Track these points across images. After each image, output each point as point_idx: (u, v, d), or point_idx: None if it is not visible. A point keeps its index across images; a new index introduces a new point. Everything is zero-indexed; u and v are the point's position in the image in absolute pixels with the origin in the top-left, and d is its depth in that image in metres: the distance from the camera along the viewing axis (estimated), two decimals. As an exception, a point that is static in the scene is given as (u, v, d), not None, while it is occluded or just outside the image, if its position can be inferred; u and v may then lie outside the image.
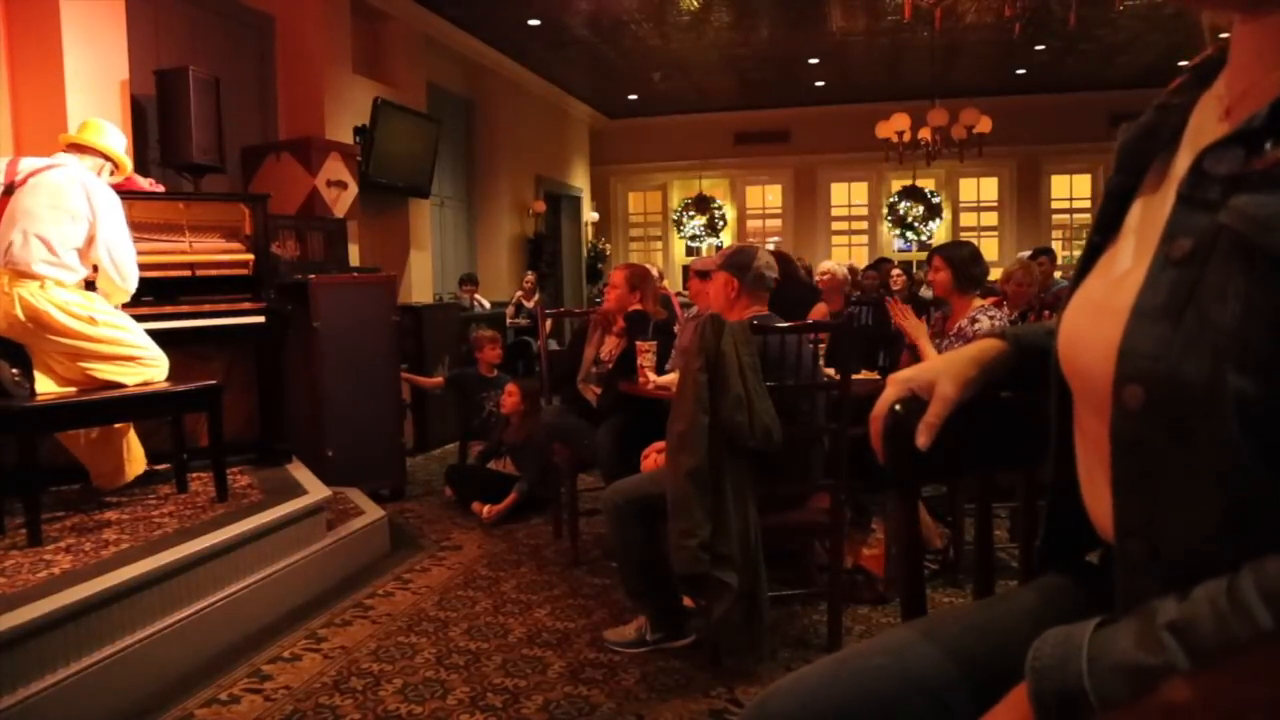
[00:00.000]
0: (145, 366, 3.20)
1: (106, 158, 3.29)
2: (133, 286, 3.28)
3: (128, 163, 3.40)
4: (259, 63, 5.97)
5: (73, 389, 3.08)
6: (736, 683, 2.48)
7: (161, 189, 4.08)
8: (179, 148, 4.37)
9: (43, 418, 2.94)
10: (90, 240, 3.09)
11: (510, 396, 4.49)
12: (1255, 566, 0.58)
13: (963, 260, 3.41)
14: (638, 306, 3.79)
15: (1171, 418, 0.65)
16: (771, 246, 4.79)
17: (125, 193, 3.64)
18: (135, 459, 3.40)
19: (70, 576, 2.43)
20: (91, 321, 3.06)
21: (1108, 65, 10.05)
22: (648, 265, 4.22)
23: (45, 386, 3.05)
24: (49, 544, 2.75)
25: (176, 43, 5.10)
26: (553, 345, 4.33)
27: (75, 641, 2.26)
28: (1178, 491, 0.67)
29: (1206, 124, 0.76)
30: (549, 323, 4.24)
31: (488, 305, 8.42)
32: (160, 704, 2.37)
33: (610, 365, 3.76)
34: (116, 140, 3.33)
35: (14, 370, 2.98)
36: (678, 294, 5.59)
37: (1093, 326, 0.77)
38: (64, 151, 3.22)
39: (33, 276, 2.96)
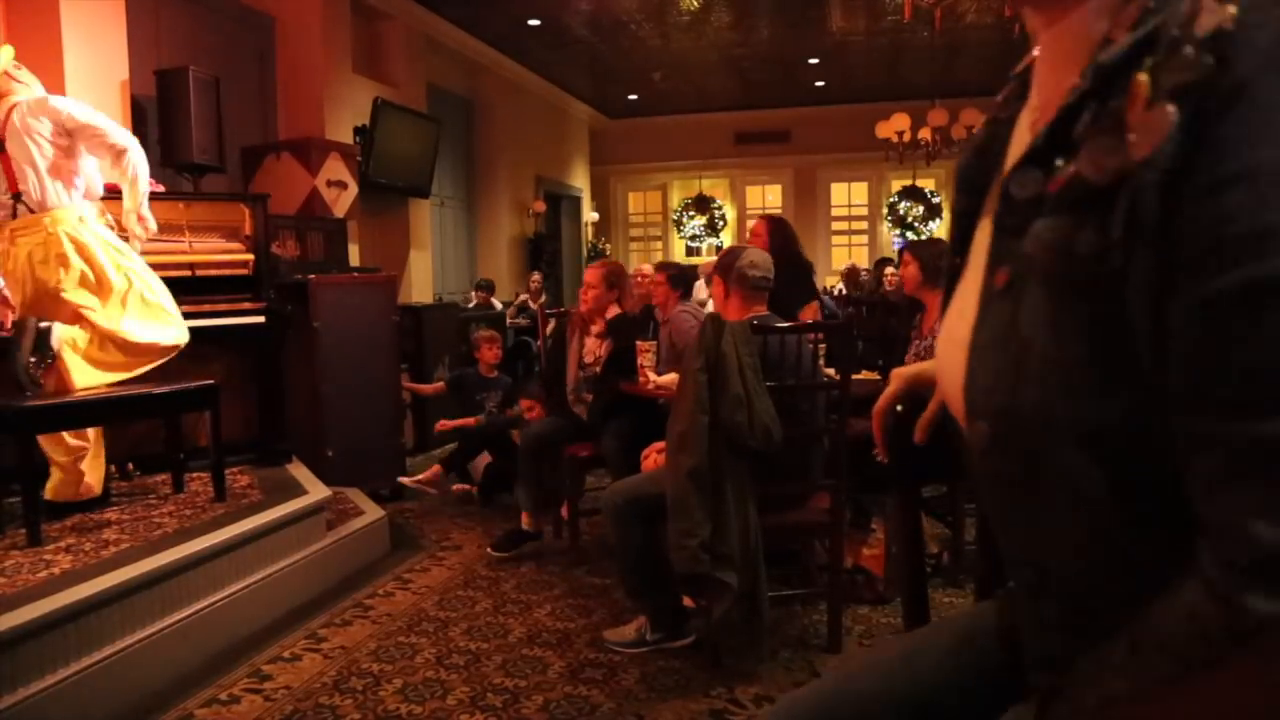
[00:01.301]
0: (171, 322, 3.20)
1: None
2: (143, 168, 3.19)
3: (25, 78, 3.20)
4: (259, 63, 5.96)
5: (117, 377, 3.07)
6: (736, 683, 2.48)
7: (161, 189, 4.08)
8: (179, 148, 4.37)
9: (42, 417, 2.94)
10: (73, 150, 3.05)
11: (530, 411, 4.43)
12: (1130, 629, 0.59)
13: (932, 255, 3.37)
14: (616, 310, 3.74)
15: (1018, 450, 0.65)
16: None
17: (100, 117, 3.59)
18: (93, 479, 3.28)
19: (70, 576, 2.43)
20: (118, 259, 3.08)
21: (1108, 65, 10.03)
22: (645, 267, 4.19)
23: (84, 377, 3.01)
24: (49, 544, 2.75)
25: (176, 43, 5.10)
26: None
27: (75, 641, 2.26)
28: (1044, 521, 0.66)
29: (1022, 140, 0.73)
30: (551, 323, 4.24)
31: (500, 308, 8.32)
32: (160, 704, 2.37)
33: (598, 369, 3.71)
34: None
35: (32, 359, 2.94)
36: None
37: (950, 359, 0.76)
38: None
39: (65, 208, 2.99)
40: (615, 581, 3.21)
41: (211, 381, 3.31)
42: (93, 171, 3.19)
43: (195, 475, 3.65)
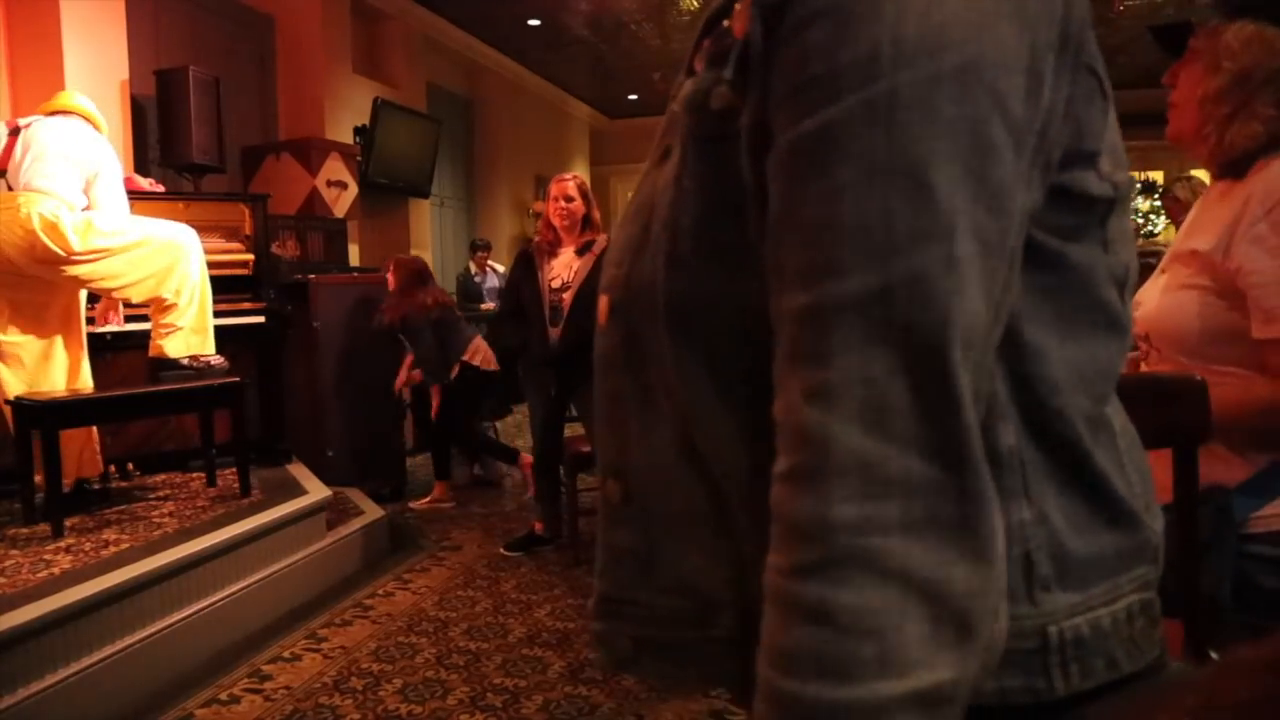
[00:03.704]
0: (155, 248, 3.18)
1: (86, 118, 3.30)
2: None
3: (102, 121, 3.39)
4: (259, 63, 5.96)
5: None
6: (736, 683, 2.47)
7: (161, 189, 4.09)
8: (179, 148, 4.37)
9: (68, 411, 2.95)
10: (88, 184, 3.13)
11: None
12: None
13: None
14: (591, 234, 3.49)
15: (627, 328, 0.60)
16: None
17: (125, 193, 3.63)
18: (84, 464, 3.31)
19: (70, 576, 2.42)
20: (90, 229, 3.07)
21: (1107, 65, 9.97)
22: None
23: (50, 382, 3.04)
24: (49, 544, 2.76)
25: (176, 43, 5.10)
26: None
27: (75, 641, 2.26)
28: (638, 417, 0.60)
29: None
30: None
31: (502, 270, 8.09)
32: (160, 704, 2.37)
33: (566, 295, 3.38)
34: (87, 101, 3.35)
35: None
36: None
37: None
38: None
39: (46, 194, 3.00)
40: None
41: (236, 379, 3.32)
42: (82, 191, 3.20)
43: (195, 475, 3.65)
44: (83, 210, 3.11)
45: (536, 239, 3.63)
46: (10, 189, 3.02)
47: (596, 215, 3.56)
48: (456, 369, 4.31)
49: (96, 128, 3.31)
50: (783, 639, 0.44)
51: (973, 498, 0.44)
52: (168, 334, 3.21)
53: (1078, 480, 0.55)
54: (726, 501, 0.57)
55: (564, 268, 3.48)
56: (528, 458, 4.24)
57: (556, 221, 3.47)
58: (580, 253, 3.47)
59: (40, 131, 3.08)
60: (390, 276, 4.44)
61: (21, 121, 3.15)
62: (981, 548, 0.44)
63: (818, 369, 0.45)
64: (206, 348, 3.29)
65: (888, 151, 0.44)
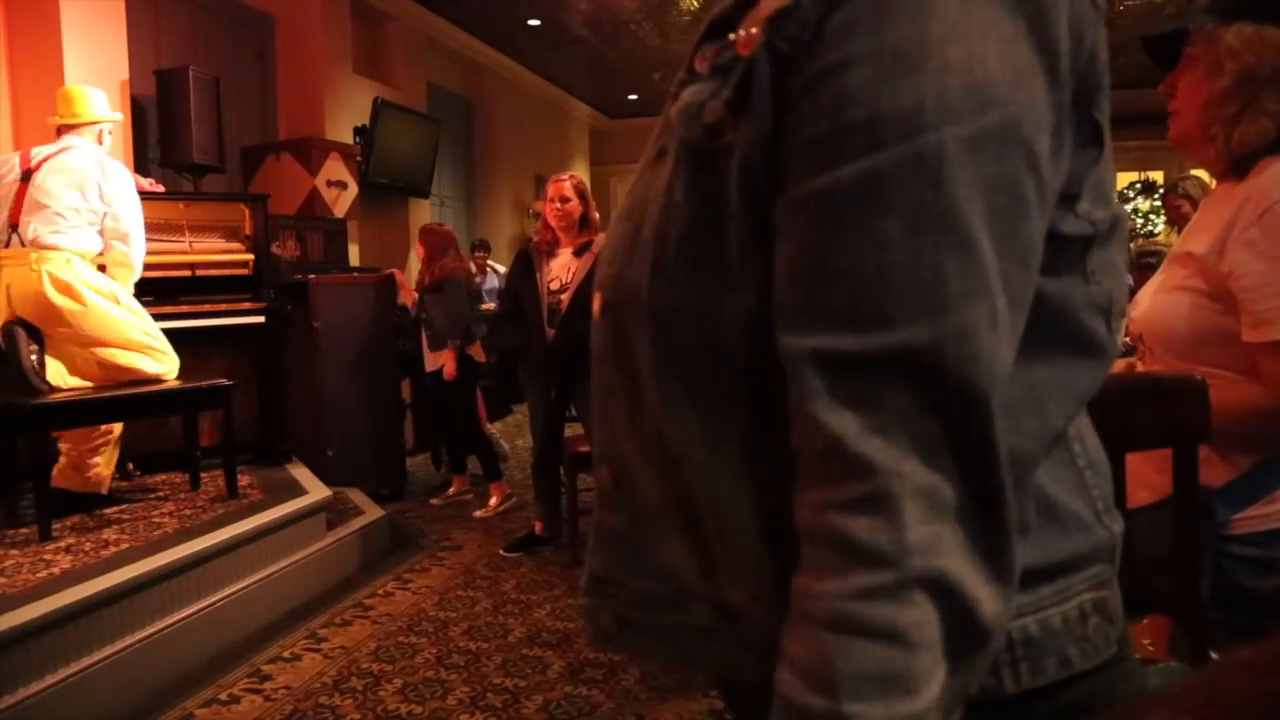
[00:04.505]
0: (159, 358, 3.20)
1: (99, 123, 3.29)
2: (139, 264, 3.28)
3: (117, 116, 3.39)
4: (259, 63, 5.96)
5: (87, 384, 3.09)
6: (736, 683, 2.47)
7: (161, 189, 4.08)
8: (179, 148, 4.37)
9: (59, 414, 2.94)
10: (104, 216, 3.13)
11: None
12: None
13: None
14: (590, 234, 3.45)
15: (616, 327, 0.61)
16: None
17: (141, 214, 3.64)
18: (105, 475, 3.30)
19: (70, 576, 2.43)
20: (115, 300, 3.09)
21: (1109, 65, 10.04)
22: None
23: (57, 376, 3.03)
24: (49, 544, 2.75)
25: (176, 43, 5.10)
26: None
27: (75, 641, 2.26)
28: (626, 412, 0.62)
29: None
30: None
31: (502, 270, 8.12)
32: (160, 704, 2.37)
33: (564, 296, 3.38)
34: (99, 103, 3.30)
35: (33, 357, 2.96)
36: None
37: None
38: (64, 134, 3.22)
39: (57, 249, 2.99)
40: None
41: (225, 381, 3.31)
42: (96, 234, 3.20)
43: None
44: (99, 254, 3.13)
45: (535, 239, 3.63)
46: (23, 244, 3.00)
47: (595, 215, 3.53)
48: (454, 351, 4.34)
49: (101, 133, 3.28)
50: (840, 663, 0.45)
51: (1005, 530, 0.48)
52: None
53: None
54: (695, 502, 0.58)
55: (562, 269, 3.47)
56: (504, 488, 4.44)
57: (554, 222, 3.46)
58: (578, 253, 3.45)
59: (49, 178, 3.05)
60: (420, 246, 4.58)
61: (34, 157, 3.11)
62: (1007, 575, 0.48)
63: (871, 409, 0.46)
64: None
65: (937, 206, 0.45)
